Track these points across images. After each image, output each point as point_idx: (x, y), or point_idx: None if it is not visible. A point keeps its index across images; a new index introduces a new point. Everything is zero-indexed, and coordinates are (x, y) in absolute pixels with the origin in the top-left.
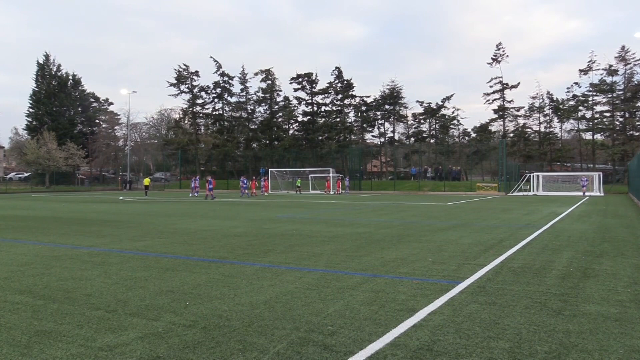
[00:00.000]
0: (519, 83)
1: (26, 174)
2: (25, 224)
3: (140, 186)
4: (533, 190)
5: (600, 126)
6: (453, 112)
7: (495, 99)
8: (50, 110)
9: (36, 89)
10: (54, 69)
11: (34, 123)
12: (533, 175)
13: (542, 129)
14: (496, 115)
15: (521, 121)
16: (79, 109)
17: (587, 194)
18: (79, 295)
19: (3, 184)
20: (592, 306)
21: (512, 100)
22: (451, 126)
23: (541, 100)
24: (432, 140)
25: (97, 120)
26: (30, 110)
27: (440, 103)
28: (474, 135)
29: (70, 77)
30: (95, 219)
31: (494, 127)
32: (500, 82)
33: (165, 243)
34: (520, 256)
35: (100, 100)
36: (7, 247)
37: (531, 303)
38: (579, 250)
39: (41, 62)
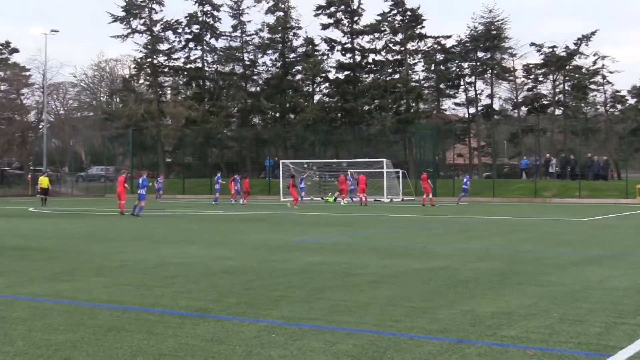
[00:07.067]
0: None
1: None
2: None
3: (66, 190)
4: None
5: None
6: (595, 63)
7: None
8: None
9: None
10: None
11: None
12: None
13: None
14: None
15: None
16: None
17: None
18: None
19: None
20: None
21: None
22: (592, 87)
23: None
24: (557, 111)
25: None
26: None
27: (572, 47)
28: (631, 102)
29: None
30: None
31: None
32: None
33: (108, 284)
34: None
35: None
36: None
37: None
38: None
39: None
